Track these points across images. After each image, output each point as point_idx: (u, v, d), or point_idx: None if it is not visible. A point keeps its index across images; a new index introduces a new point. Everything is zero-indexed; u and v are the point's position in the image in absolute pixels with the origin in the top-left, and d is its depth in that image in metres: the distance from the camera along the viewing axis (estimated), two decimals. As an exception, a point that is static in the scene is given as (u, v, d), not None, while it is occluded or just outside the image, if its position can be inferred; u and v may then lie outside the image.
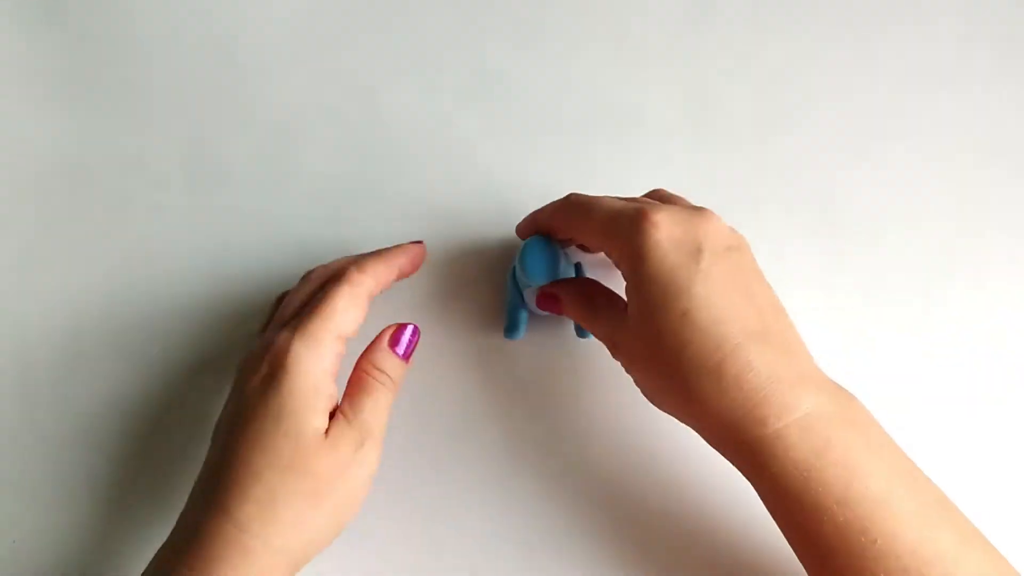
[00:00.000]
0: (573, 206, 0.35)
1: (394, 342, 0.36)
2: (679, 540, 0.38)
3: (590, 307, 0.35)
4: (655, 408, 0.40)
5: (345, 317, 0.34)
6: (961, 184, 0.45)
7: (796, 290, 0.42)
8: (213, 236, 0.45)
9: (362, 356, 0.35)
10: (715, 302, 0.30)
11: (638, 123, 0.47)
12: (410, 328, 0.36)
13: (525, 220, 0.39)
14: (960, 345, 0.42)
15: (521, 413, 0.40)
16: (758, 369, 0.29)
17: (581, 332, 0.40)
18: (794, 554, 0.31)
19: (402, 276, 0.38)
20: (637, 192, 0.45)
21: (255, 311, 0.43)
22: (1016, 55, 0.48)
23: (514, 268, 0.41)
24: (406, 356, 0.36)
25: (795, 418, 0.29)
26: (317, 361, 0.32)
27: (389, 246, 0.38)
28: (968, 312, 0.42)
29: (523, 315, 0.40)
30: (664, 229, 0.31)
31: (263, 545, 0.30)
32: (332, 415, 0.33)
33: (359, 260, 0.37)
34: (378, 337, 0.36)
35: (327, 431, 0.32)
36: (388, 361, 0.35)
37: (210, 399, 0.41)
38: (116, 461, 0.40)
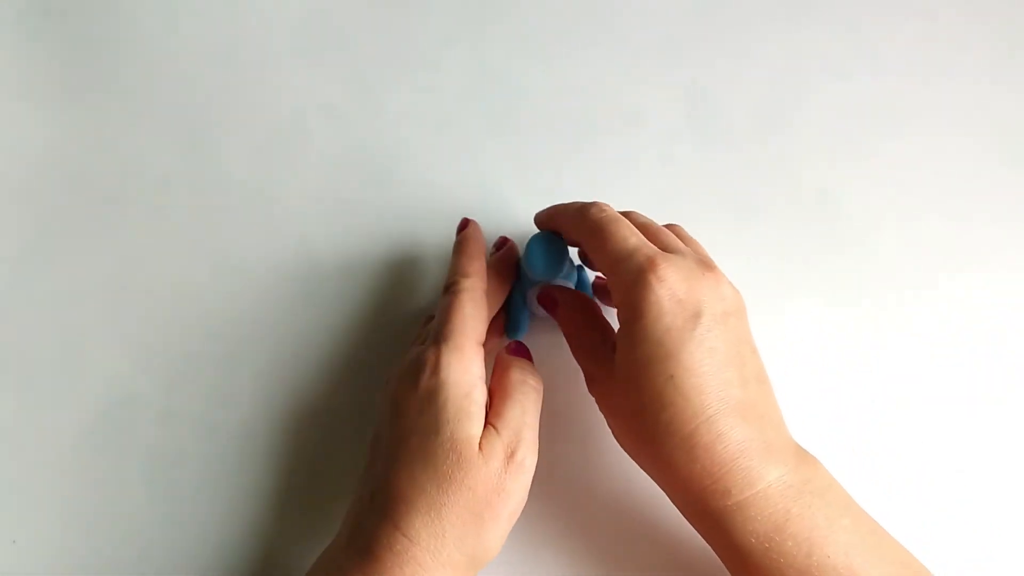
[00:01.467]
0: (590, 225, 0.35)
1: (512, 350, 0.37)
2: (677, 537, 0.38)
3: (582, 329, 0.36)
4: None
5: (474, 320, 0.35)
6: (961, 180, 0.45)
7: (796, 289, 0.43)
8: (213, 236, 0.45)
9: (495, 371, 0.36)
10: (702, 371, 0.30)
11: (638, 123, 0.47)
12: (517, 344, 0.38)
13: (546, 211, 0.39)
14: (960, 342, 0.42)
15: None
16: (728, 440, 0.30)
17: None
18: None
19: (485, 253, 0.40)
20: (639, 192, 0.45)
21: (255, 311, 0.43)
22: (1014, 50, 0.48)
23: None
24: (529, 358, 0.37)
25: (757, 490, 0.30)
26: (466, 369, 0.33)
27: (454, 243, 0.39)
28: (969, 308, 0.42)
29: (524, 315, 0.40)
30: (668, 285, 0.31)
31: (433, 558, 0.30)
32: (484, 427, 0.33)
33: (451, 267, 0.38)
34: (499, 354, 0.37)
35: (481, 441, 0.32)
36: (520, 365, 0.36)
37: (208, 397, 0.41)
38: (116, 461, 0.40)
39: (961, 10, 0.49)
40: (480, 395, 0.33)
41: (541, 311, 0.40)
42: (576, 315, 0.36)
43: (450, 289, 0.36)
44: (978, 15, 0.49)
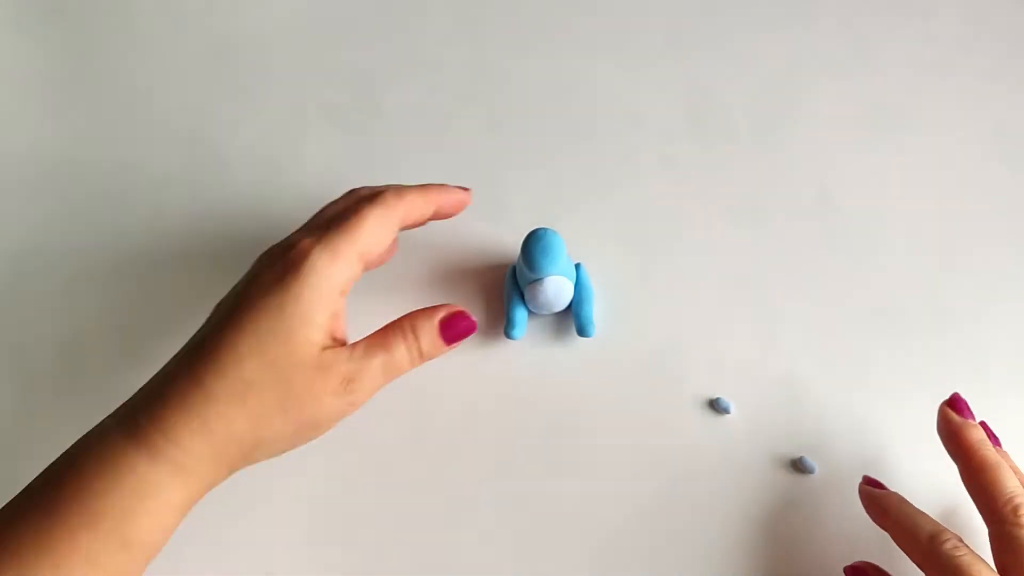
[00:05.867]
0: (942, 560, 0.32)
1: (446, 324, 0.35)
2: (679, 537, 0.38)
3: None
4: (655, 408, 0.40)
5: (371, 238, 0.33)
6: (961, 180, 0.45)
7: (797, 290, 0.43)
8: (213, 235, 0.45)
9: (408, 314, 0.34)
10: None
11: (638, 123, 0.47)
12: (468, 322, 0.35)
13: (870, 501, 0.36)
14: (961, 341, 0.42)
15: (521, 413, 0.40)
16: None
17: (583, 331, 0.40)
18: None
19: (440, 216, 0.38)
20: (639, 192, 0.45)
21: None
22: (1014, 50, 0.48)
23: (512, 267, 0.41)
24: (448, 341, 0.35)
25: None
26: (332, 274, 0.32)
27: (432, 183, 0.38)
28: (970, 308, 0.42)
29: (523, 314, 0.40)
30: None
31: (224, 424, 0.30)
32: (340, 342, 0.33)
33: (399, 187, 0.36)
34: (435, 308, 0.35)
35: (324, 351, 0.32)
36: (428, 334, 0.34)
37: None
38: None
39: (961, 10, 0.49)
40: (333, 305, 0.32)
41: (540, 309, 0.40)
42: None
43: (372, 197, 0.34)
44: (978, 15, 0.49)
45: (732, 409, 0.40)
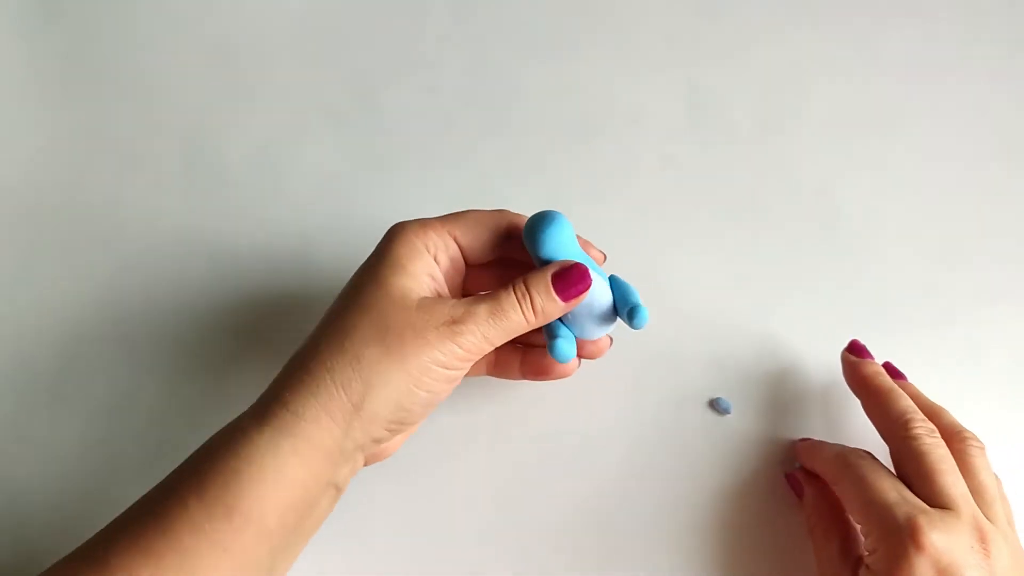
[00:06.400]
0: (847, 467, 0.34)
1: (558, 277, 0.32)
2: (681, 539, 0.38)
3: (825, 530, 0.35)
4: (655, 408, 0.40)
5: (463, 224, 0.34)
6: (961, 181, 0.45)
7: (797, 290, 0.43)
8: (213, 236, 0.45)
9: (521, 277, 0.32)
10: None
11: (638, 123, 0.47)
12: (581, 270, 0.32)
13: (805, 449, 0.38)
14: (962, 341, 0.42)
15: (521, 413, 0.40)
16: None
17: (639, 316, 0.34)
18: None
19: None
20: (639, 192, 0.45)
21: (255, 311, 0.43)
22: (1014, 50, 0.48)
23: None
24: (564, 296, 0.32)
25: None
26: (419, 232, 0.33)
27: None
28: (970, 307, 0.42)
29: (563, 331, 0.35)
30: (929, 554, 0.29)
31: (326, 371, 0.30)
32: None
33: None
34: (546, 268, 0.33)
35: (424, 298, 0.31)
36: (539, 285, 0.32)
37: (209, 399, 0.41)
38: (114, 461, 0.40)
39: (961, 10, 0.49)
40: (421, 259, 0.32)
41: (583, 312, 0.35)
42: (821, 509, 0.35)
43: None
44: (978, 15, 0.49)
45: (732, 409, 0.40)
